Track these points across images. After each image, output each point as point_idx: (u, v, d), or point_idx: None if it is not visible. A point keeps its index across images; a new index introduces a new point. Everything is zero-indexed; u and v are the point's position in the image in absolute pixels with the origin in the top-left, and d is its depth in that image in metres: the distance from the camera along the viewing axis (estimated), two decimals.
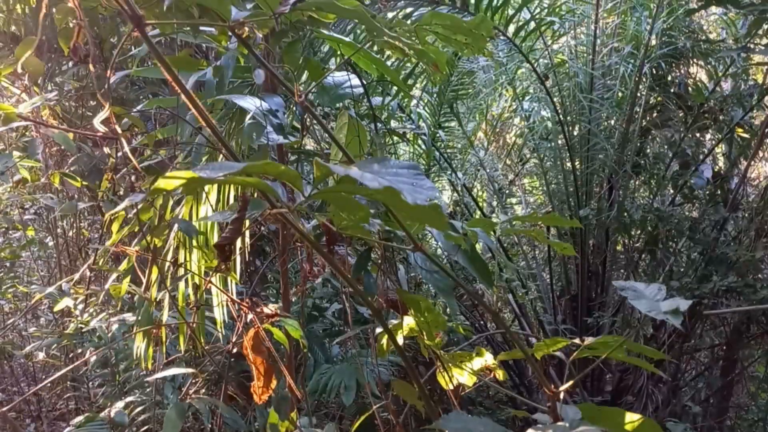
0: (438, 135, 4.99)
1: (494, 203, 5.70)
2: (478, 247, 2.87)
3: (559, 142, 4.67)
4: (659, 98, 4.57)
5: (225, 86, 1.59)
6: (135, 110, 2.13)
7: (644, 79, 4.47)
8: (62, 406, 5.00)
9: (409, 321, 1.73)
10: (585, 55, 4.63)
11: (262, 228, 3.19)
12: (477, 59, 4.75)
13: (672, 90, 4.52)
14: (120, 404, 2.82)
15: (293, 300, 3.09)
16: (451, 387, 1.83)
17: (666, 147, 4.63)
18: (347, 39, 1.83)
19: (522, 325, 4.79)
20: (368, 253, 1.63)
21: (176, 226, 2.01)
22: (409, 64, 4.36)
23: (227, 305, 2.29)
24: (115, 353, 3.46)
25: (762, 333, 4.47)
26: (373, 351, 1.93)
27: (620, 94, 4.51)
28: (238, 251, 2.23)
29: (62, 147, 3.51)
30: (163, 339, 2.47)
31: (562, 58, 4.81)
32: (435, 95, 5.05)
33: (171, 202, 2.20)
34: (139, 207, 1.73)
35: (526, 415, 1.68)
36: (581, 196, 4.56)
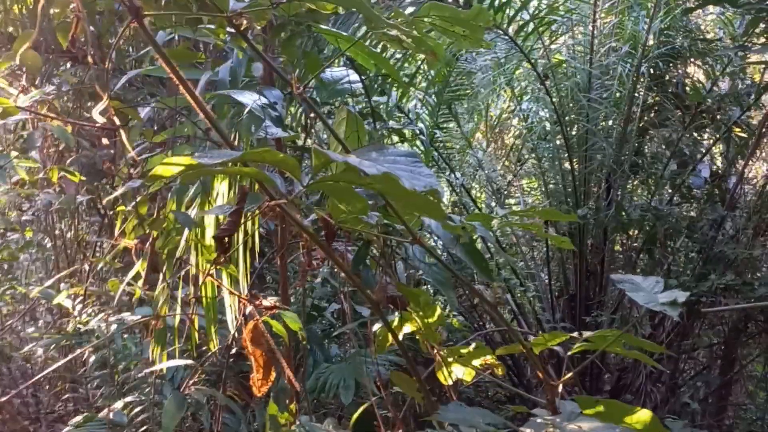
0: (436, 135, 4.99)
1: (493, 204, 5.69)
2: (477, 246, 2.87)
3: (558, 142, 4.68)
4: (657, 98, 4.57)
5: (238, 85, 1.60)
6: (141, 114, 2.14)
7: (642, 79, 4.47)
8: (61, 408, 4.98)
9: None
10: (583, 54, 4.64)
11: (261, 228, 3.18)
12: (476, 60, 4.75)
13: (670, 89, 4.53)
14: (119, 404, 2.80)
15: (292, 300, 3.09)
16: (450, 383, 1.83)
17: (664, 146, 4.64)
18: (345, 34, 1.84)
19: (520, 324, 4.78)
20: (367, 246, 1.63)
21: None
22: (408, 65, 4.36)
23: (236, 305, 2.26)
24: (114, 353, 3.44)
25: (760, 332, 4.48)
26: (371, 347, 1.93)
27: (618, 93, 4.50)
28: (246, 251, 2.21)
29: (61, 147, 3.52)
30: (176, 341, 2.41)
31: (560, 58, 4.82)
32: (433, 96, 5.05)
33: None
34: (138, 200, 1.73)
35: (525, 410, 1.69)
36: (579, 196, 4.56)
